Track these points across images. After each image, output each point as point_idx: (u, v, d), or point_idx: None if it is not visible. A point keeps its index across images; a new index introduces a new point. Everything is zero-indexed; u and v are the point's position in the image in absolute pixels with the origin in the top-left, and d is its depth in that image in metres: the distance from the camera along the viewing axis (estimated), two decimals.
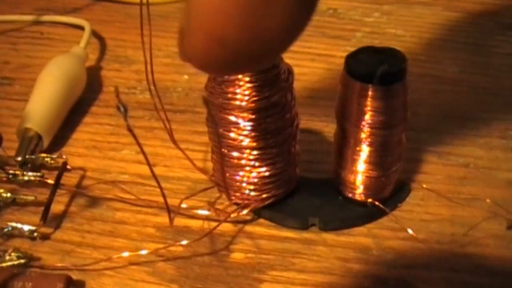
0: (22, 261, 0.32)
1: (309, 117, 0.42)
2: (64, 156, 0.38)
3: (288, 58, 0.48)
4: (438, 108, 0.43)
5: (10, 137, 0.40)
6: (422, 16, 0.53)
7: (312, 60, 0.48)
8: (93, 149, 0.40)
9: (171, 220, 0.32)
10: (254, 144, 0.32)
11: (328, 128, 0.41)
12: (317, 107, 0.43)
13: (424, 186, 0.37)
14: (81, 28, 0.51)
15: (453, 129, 0.41)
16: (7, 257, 0.32)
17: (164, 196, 0.31)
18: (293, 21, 0.16)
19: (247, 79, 0.30)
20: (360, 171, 0.33)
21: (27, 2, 0.56)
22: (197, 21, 0.16)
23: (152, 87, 0.35)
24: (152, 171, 0.29)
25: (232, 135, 0.32)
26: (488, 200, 0.35)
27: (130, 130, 0.25)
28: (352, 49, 0.49)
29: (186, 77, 0.46)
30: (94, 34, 0.51)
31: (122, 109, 0.24)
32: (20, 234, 0.34)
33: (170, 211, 0.33)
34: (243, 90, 0.30)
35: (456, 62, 0.48)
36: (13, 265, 0.32)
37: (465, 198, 0.36)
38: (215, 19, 0.16)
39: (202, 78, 0.46)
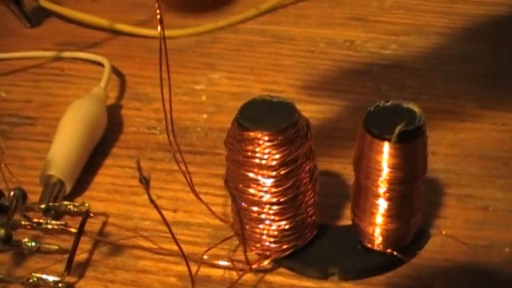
0: None
1: (327, 158, 0.42)
2: (86, 204, 0.38)
3: (306, 94, 0.49)
4: (457, 146, 0.43)
5: (33, 181, 0.41)
6: (440, 47, 0.53)
7: (330, 97, 0.48)
8: (114, 193, 0.41)
9: (192, 277, 0.32)
10: (274, 199, 0.32)
11: (346, 170, 0.41)
12: (335, 148, 0.43)
13: (444, 232, 0.37)
14: (101, 64, 0.51)
15: (472, 169, 0.41)
16: None
17: (185, 258, 0.31)
18: None
19: (266, 138, 0.31)
20: (378, 224, 0.33)
21: (48, 37, 0.57)
22: None
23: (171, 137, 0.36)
24: (168, 225, 0.29)
25: (252, 191, 0.32)
26: (507, 249, 0.35)
27: (152, 201, 0.25)
28: (371, 84, 0.49)
29: (205, 116, 0.47)
30: (114, 70, 0.52)
31: (144, 182, 0.24)
32: (45, 284, 0.35)
33: (191, 261, 0.34)
34: (262, 148, 0.31)
35: (475, 97, 0.48)
36: None
37: (484, 244, 0.36)
38: None
39: (221, 117, 0.47)
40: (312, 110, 0.46)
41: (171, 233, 0.31)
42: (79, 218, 0.38)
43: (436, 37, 0.54)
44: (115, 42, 0.56)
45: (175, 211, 0.39)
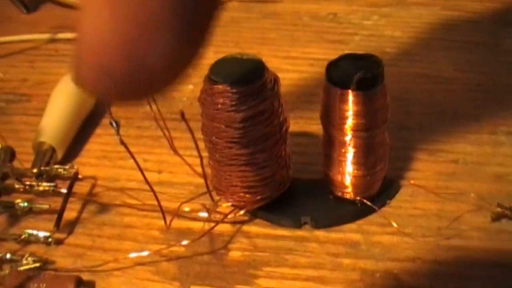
0: (37, 264, 0.35)
1: (306, 120, 0.44)
2: (75, 167, 0.41)
3: (287, 64, 0.51)
4: (432, 107, 0.45)
5: (27, 151, 0.43)
6: (420, 17, 0.55)
7: (311, 65, 0.50)
8: (103, 158, 0.43)
9: (167, 224, 0.34)
10: (245, 150, 0.34)
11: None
12: (314, 111, 0.45)
13: (412, 182, 0.38)
14: None
15: (445, 126, 0.43)
16: (24, 261, 0.35)
17: (158, 201, 0.33)
18: (175, 56, 0.17)
19: (234, 90, 0.32)
20: (346, 172, 0.35)
21: (44, 21, 0.60)
22: (84, 53, 0.17)
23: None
24: (146, 178, 0.31)
25: (224, 142, 0.34)
26: (472, 195, 0.37)
27: (122, 143, 0.27)
28: (350, 52, 0.51)
29: (191, 86, 0.49)
30: None
31: (114, 124, 0.26)
32: (36, 240, 0.37)
33: (171, 214, 0.36)
34: (231, 100, 0.33)
35: (452, 61, 0.49)
36: (29, 269, 0.35)
37: (452, 193, 0.38)
38: (100, 51, 0.17)
39: None
40: (293, 78, 0.48)
41: (149, 184, 0.33)
42: (69, 182, 0.40)
43: (417, 7, 0.56)
44: None
45: (159, 172, 0.41)
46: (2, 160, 0.37)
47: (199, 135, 0.44)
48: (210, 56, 0.52)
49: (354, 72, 0.32)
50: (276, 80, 0.34)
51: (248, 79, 0.33)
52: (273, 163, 0.35)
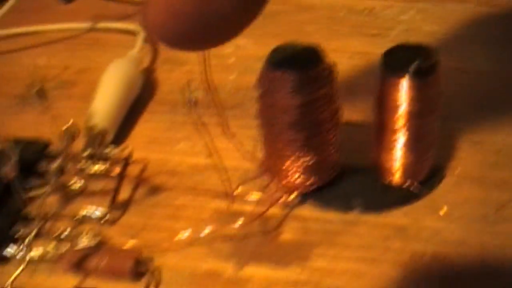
0: (95, 241, 0.36)
1: (348, 109, 0.45)
2: (129, 147, 0.42)
3: (327, 56, 0.52)
4: (472, 100, 0.46)
5: None
6: (455, 13, 0.56)
7: (350, 58, 0.51)
8: (152, 143, 0.44)
9: (230, 199, 0.36)
10: (299, 135, 0.35)
11: (368, 119, 0.44)
12: (356, 101, 0.46)
13: (458, 171, 0.39)
14: (133, 33, 0.55)
15: (486, 119, 0.44)
16: (82, 239, 0.37)
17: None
18: (243, 7, 0.18)
19: (292, 77, 0.34)
20: (396, 158, 0.36)
21: (83, 11, 0.61)
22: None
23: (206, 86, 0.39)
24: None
25: (279, 128, 0.35)
26: None
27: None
28: (389, 46, 0.52)
29: (233, 76, 0.50)
30: (146, 38, 0.55)
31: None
32: (90, 220, 0.38)
33: (223, 197, 0.37)
34: (289, 86, 0.34)
35: (488, 57, 0.50)
36: (87, 246, 0.36)
37: (495, 181, 0.39)
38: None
39: (248, 77, 0.50)
40: None
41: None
42: (121, 164, 0.41)
43: (452, 4, 0.57)
44: None
45: (209, 156, 0.42)
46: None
47: (241, 122, 0.45)
48: (250, 47, 0.54)
49: (409, 61, 0.33)
50: (332, 68, 0.35)
51: (306, 66, 0.34)
52: (325, 148, 0.36)
